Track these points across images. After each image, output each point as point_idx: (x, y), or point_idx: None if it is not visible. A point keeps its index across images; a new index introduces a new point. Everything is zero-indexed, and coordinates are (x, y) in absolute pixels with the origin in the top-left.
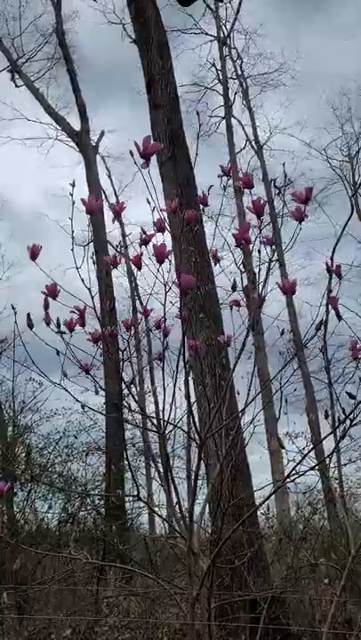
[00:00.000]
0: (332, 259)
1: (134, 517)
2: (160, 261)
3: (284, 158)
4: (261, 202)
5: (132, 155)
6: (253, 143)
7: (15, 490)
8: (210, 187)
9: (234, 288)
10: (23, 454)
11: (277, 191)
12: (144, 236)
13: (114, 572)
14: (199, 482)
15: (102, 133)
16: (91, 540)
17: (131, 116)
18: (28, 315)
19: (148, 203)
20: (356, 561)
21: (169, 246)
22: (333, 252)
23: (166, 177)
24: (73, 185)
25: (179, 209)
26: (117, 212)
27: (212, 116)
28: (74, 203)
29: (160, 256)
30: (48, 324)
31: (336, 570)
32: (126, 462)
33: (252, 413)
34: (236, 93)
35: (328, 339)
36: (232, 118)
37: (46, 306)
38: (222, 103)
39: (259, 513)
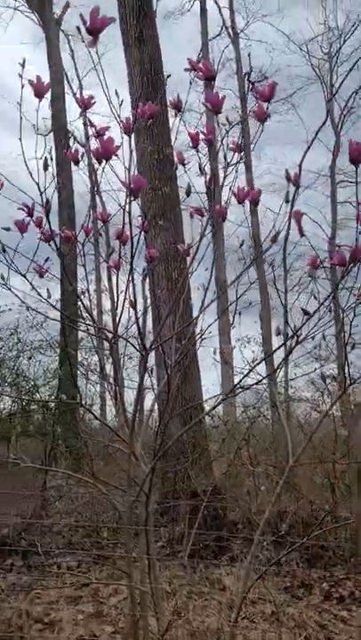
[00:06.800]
0: (300, 165)
1: (84, 414)
2: (107, 158)
3: (261, 50)
4: (220, 96)
5: (79, 31)
6: (230, 30)
7: None
8: (167, 76)
9: (188, 193)
10: None
11: (251, 86)
12: (98, 128)
13: (66, 462)
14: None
15: (67, 5)
16: (41, 433)
17: None
18: None
19: (117, 95)
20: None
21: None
22: (303, 159)
23: (131, 62)
24: (23, 65)
25: (143, 100)
26: (85, 105)
27: None
28: (24, 85)
29: (106, 152)
30: None
31: (274, 467)
32: (75, 363)
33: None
34: None
35: (288, 252)
36: None
37: None
38: None
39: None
